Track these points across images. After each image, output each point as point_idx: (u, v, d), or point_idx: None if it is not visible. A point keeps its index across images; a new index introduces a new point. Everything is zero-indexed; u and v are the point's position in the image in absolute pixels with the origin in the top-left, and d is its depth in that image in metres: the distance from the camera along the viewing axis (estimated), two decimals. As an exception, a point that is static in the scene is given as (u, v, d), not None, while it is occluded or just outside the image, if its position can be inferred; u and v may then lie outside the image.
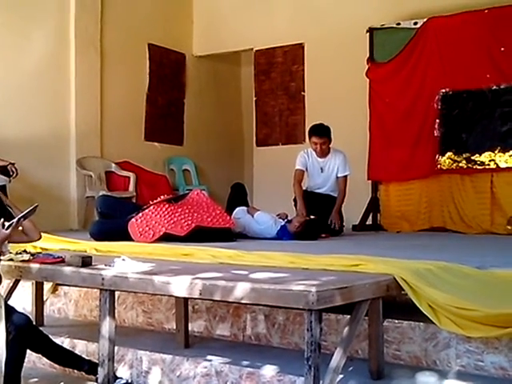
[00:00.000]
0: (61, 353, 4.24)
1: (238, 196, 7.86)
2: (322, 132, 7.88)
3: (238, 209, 7.37)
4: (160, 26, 10.59)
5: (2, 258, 4.34)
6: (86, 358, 4.29)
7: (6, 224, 3.91)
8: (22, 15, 8.64)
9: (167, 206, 6.57)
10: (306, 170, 8.06)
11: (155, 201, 6.67)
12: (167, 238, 6.25)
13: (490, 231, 8.18)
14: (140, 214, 6.46)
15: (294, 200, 7.99)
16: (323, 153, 7.95)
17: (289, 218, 7.34)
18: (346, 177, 7.99)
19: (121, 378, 4.11)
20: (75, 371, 4.32)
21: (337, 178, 8.01)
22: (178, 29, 10.99)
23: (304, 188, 8.11)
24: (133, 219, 6.40)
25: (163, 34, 10.63)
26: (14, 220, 3.92)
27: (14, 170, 7.57)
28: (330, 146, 7.98)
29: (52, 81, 9.03)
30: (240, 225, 7.14)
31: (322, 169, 8.03)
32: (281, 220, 7.23)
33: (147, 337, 4.68)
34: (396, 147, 8.95)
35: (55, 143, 9.01)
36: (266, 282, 3.34)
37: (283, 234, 7.02)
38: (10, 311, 3.90)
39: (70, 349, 4.42)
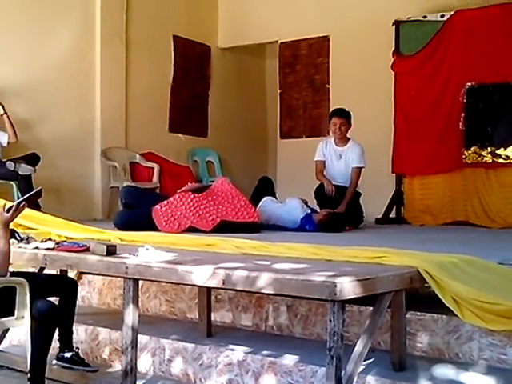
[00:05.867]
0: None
1: (265, 189, 7.82)
2: (342, 113, 7.92)
3: (265, 198, 7.42)
4: (185, 17, 10.59)
5: (27, 246, 4.39)
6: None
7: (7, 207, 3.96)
8: (47, 6, 8.65)
9: (192, 196, 6.59)
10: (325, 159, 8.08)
11: (181, 189, 6.72)
12: (192, 229, 6.30)
13: (515, 226, 8.10)
14: (165, 202, 6.49)
15: (315, 192, 7.96)
16: (342, 134, 7.93)
17: (310, 206, 7.39)
18: (359, 169, 7.92)
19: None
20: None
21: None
22: (203, 21, 10.99)
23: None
24: (157, 206, 6.43)
25: (188, 26, 10.63)
26: (15, 203, 3.97)
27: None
28: (350, 137, 7.96)
29: (77, 72, 9.05)
30: (265, 214, 7.17)
31: (340, 156, 8.01)
32: (308, 209, 7.28)
33: (170, 326, 4.70)
34: (421, 140, 8.90)
35: (80, 134, 9.04)
36: (289, 273, 3.33)
37: (307, 222, 7.02)
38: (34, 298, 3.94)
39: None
